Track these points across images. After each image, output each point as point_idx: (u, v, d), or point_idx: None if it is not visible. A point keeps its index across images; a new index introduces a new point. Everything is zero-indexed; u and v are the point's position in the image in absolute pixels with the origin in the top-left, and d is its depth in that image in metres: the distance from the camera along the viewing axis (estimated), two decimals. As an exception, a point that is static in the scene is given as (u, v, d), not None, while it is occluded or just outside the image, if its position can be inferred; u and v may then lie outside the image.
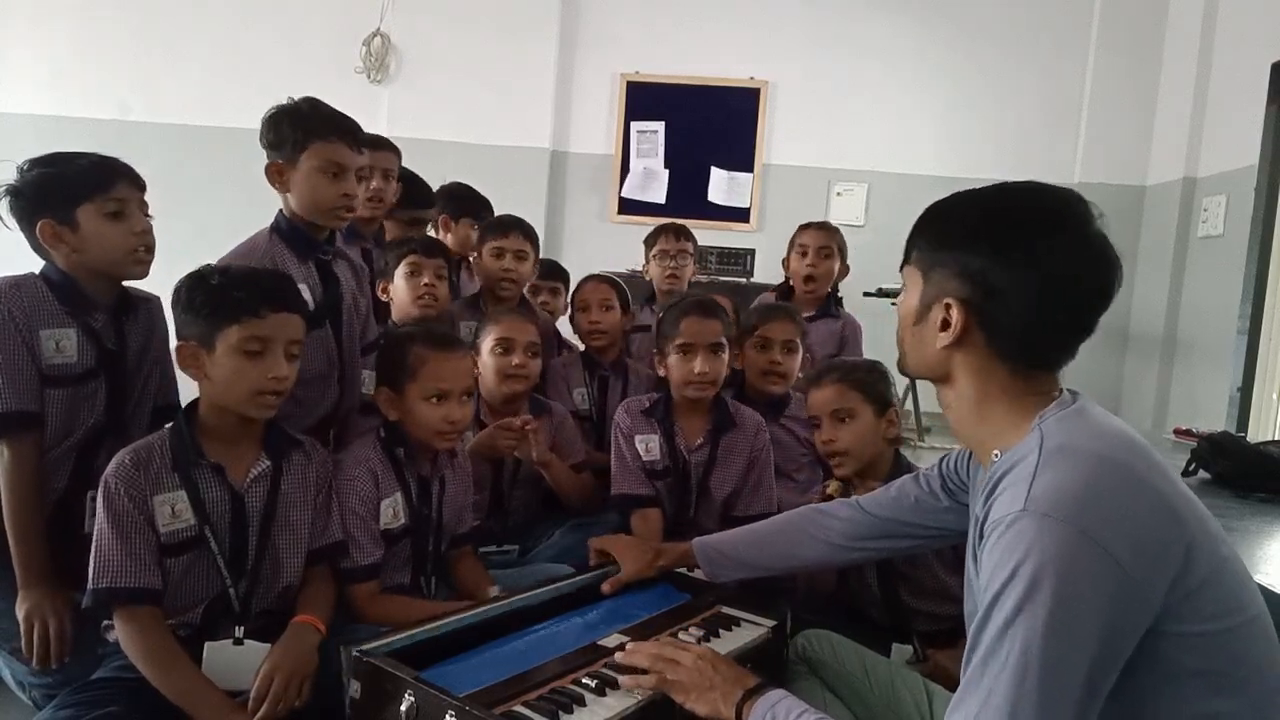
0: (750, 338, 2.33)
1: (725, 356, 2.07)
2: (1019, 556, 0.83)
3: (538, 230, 2.65)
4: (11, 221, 1.57)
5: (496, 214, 2.76)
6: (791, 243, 2.93)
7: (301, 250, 1.80)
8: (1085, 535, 0.82)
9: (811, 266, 2.84)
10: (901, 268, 1.10)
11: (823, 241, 2.86)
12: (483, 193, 2.92)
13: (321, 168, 1.74)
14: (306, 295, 1.74)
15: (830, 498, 1.83)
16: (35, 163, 1.57)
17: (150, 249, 1.63)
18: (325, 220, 1.81)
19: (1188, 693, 0.87)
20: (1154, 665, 0.85)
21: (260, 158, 1.79)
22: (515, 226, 2.55)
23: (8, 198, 1.56)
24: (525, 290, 2.66)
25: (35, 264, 1.61)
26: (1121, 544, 0.82)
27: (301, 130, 1.74)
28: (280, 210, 1.82)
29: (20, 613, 1.48)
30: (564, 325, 2.79)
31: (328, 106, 1.80)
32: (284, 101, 1.79)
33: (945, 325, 0.99)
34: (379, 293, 2.25)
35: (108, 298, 1.64)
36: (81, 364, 1.58)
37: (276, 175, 1.77)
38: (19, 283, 1.55)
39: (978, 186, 1.05)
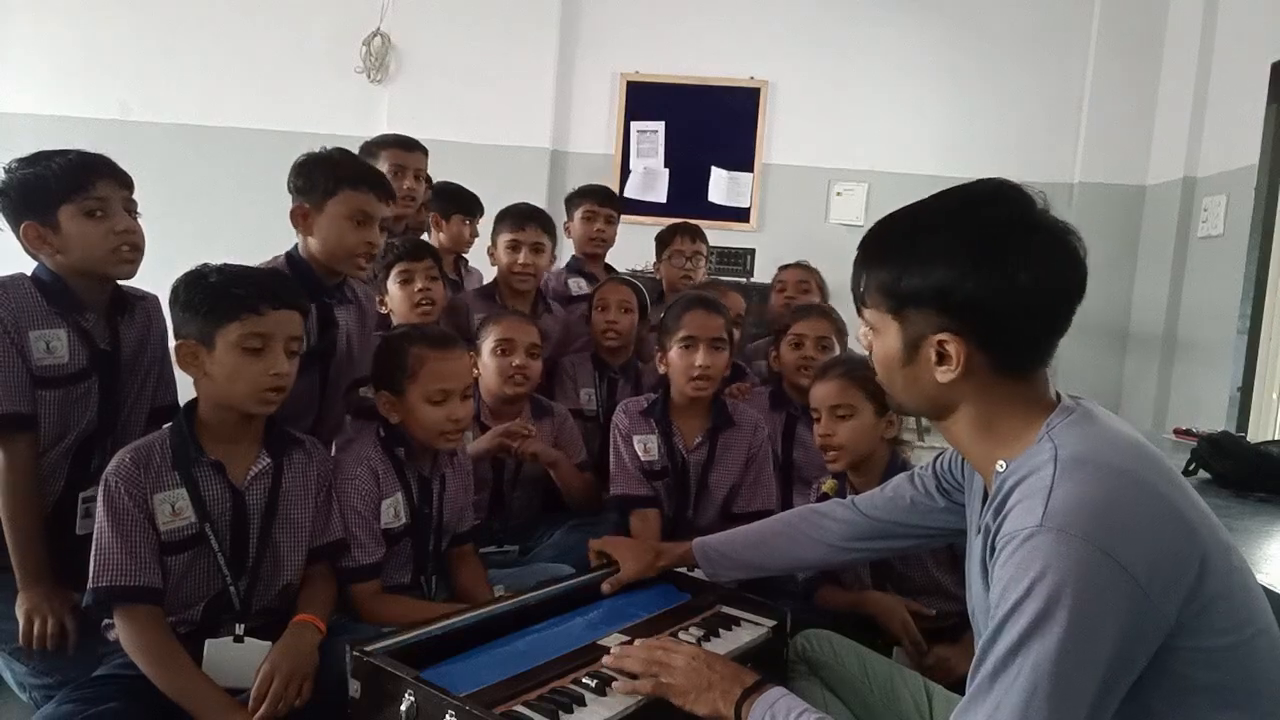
0: (785, 336, 2.32)
1: (726, 354, 2.06)
2: (1035, 572, 0.81)
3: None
4: (3, 222, 1.57)
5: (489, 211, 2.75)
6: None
7: (307, 290, 1.76)
8: (1104, 553, 0.81)
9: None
10: (859, 310, 1.04)
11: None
12: (483, 193, 2.92)
13: (349, 214, 1.77)
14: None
15: (826, 496, 1.83)
16: (19, 163, 1.56)
17: (136, 248, 1.60)
18: (345, 267, 1.82)
19: (1199, 707, 0.86)
20: (1165, 679, 0.84)
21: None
22: (532, 218, 2.52)
23: None
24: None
25: (30, 264, 1.61)
26: (1139, 561, 0.81)
27: (333, 178, 1.77)
28: (295, 245, 1.83)
29: (20, 612, 1.49)
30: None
31: (357, 157, 1.85)
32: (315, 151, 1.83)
33: (942, 359, 0.95)
34: (378, 306, 2.22)
35: (99, 297, 1.62)
36: (74, 364, 1.57)
37: (301, 219, 1.79)
38: (6, 284, 1.54)
39: (903, 209, 1.01)
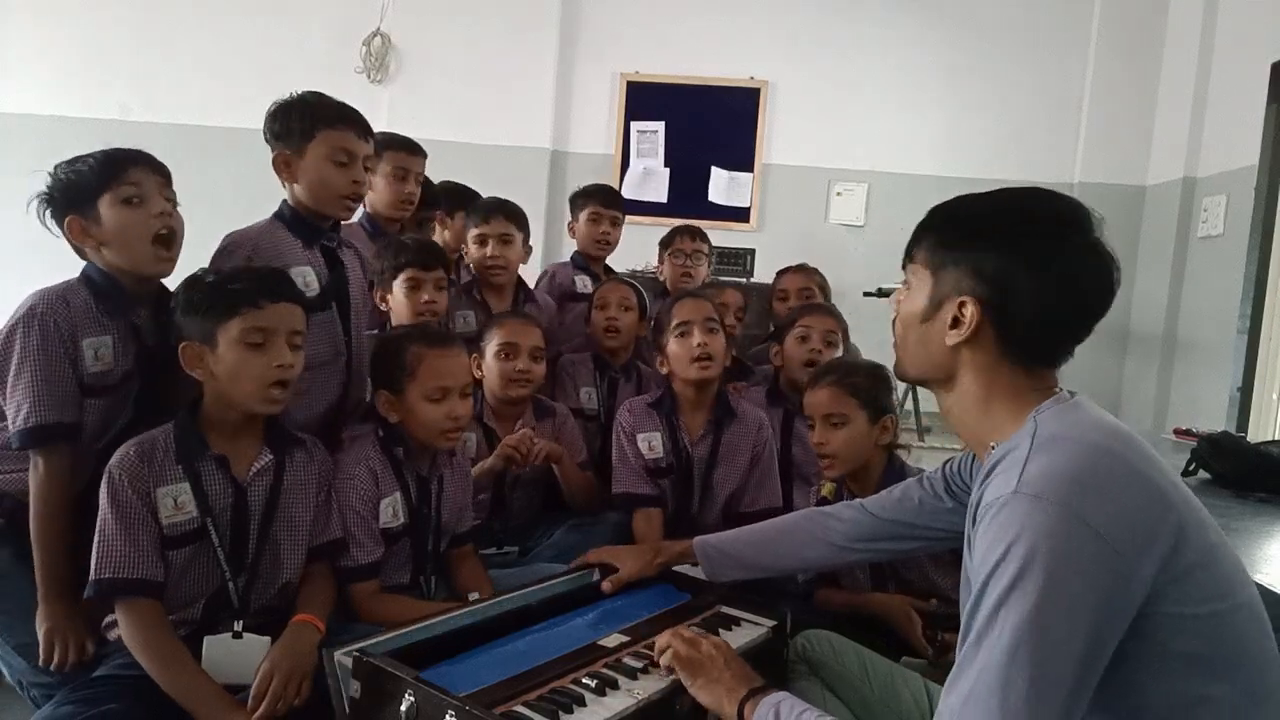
0: (791, 330, 2.32)
1: (721, 337, 2.07)
2: (1011, 537, 0.84)
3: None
4: (54, 227, 1.57)
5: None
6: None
7: (305, 236, 1.78)
8: (1077, 516, 0.83)
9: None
10: (905, 265, 1.09)
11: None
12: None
13: (330, 155, 1.74)
14: (312, 279, 1.74)
15: (825, 499, 1.83)
16: (61, 165, 1.58)
17: (171, 235, 1.59)
18: (333, 209, 1.79)
19: (1179, 675, 0.88)
20: (1145, 647, 0.86)
21: (261, 158, 1.79)
22: (497, 210, 2.51)
23: (46, 205, 1.56)
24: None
25: (66, 272, 1.60)
26: (1112, 525, 0.84)
27: (309, 119, 1.74)
28: (284, 200, 1.81)
29: (41, 629, 1.48)
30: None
31: (333, 98, 1.81)
32: (286, 96, 1.79)
33: (956, 323, 1.00)
34: (376, 300, 2.19)
35: (149, 292, 1.63)
36: (119, 369, 1.57)
37: (284, 166, 1.76)
38: (64, 294, 1.54)
39: (978, 189, 1.05)
